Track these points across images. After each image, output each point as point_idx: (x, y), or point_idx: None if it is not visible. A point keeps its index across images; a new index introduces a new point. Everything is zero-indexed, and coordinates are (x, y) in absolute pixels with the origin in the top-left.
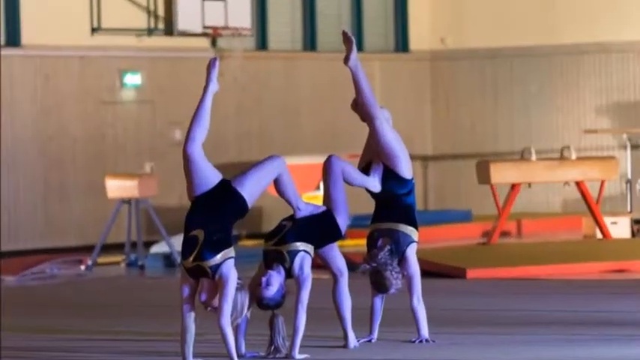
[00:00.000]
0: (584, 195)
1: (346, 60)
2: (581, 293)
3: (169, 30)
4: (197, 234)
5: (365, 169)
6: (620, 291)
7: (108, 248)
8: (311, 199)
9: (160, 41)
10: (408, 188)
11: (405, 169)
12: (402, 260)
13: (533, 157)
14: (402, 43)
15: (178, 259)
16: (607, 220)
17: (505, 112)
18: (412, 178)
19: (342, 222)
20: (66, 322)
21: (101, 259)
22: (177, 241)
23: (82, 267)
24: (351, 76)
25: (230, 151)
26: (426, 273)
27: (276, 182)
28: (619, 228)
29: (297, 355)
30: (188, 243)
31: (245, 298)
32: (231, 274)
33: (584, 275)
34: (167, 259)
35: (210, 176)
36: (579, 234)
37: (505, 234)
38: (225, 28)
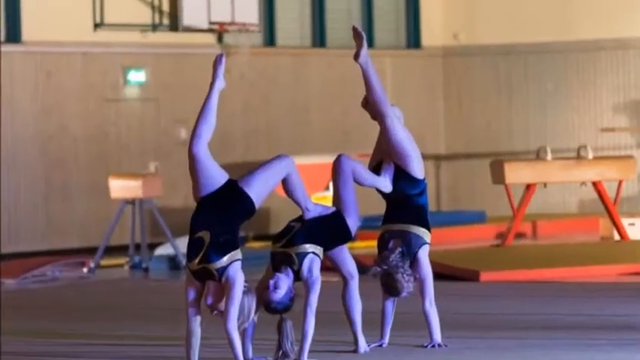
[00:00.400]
0: (601, 195)
1: (356, 56)
2: (598, 296)
3: (174, 25)
4: (203, 235)
5: (376, 168)
6: (639, 294)
7: (111, 250)
8: (320, 200)
9: (165, 37)
10: (420, 188)
11: (417, 168)
12: (414, 262)
13: (549, 156)
14: (413, 39)
15: (183, 261)
16: (625, 222)
17: (520, 110)
18: (424, 178)
19: (352, 223)
20: (68, 326)
21: (104, 262)
22: (183, 243)
23: (85, 269)
24: (362, 73)
25: (237, 150)
26: (438, 275)
27: (285, 182)
28: (637, 229)
29: None
30: (194, 245)
31: (252, 302)
32: (237, 276)
33: (601, 278)
34: (172, 261)
35: (216, 176)
36: (596, 235)
37: (520, 235)
38: (232, 23)
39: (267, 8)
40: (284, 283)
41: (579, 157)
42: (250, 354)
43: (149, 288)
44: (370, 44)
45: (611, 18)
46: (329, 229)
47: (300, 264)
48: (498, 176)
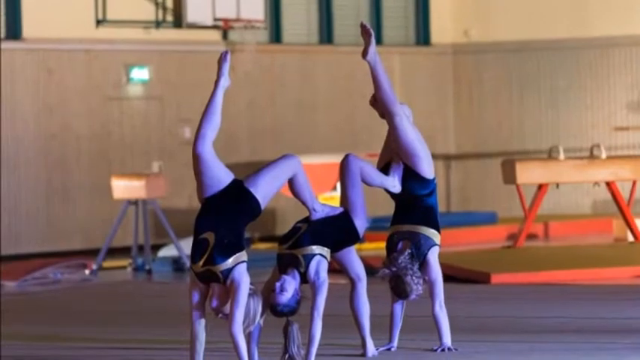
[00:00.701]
0: (614, 196)
1: (364, 54)
2: (612, 299)
3: (178, 22)
4: (207, 237)
5: (384, 168)
6: None
7: (114, 252)
8: (327, 200)
9: (169, 34)
10: (429, 189)
11: (427, 168)
12: (424, 264)
13: (562, 156)
14: (423, 36)
15: (188, 263)
16: (639, 222)
17: (532, 108)
18: (434, 178)
19: (360, 224)
20: (69, 329)
21: (107, 264)
22: (187, 245)
23: (87, 271)
24: (370, 71)
25: (242, 149)
26: (448, 278)
27: (291, 182)
28: None
29: None
30: (198, 246)
31: (258, 305)
32: (243, 279)
33: (614, 280)
34: (176, 263)
35: (221, 176)
36: (610, 237)
37: (532, 237)
38: (237, 20)
39: (273, 4)
40: (290, 285)
41: (592, 156)
42: (256, 358)
43: (152, 290)
44: (379, 41)
45: (625, 14)
46: (336, 231)
47: (307, 266)
48: (510, 176)
